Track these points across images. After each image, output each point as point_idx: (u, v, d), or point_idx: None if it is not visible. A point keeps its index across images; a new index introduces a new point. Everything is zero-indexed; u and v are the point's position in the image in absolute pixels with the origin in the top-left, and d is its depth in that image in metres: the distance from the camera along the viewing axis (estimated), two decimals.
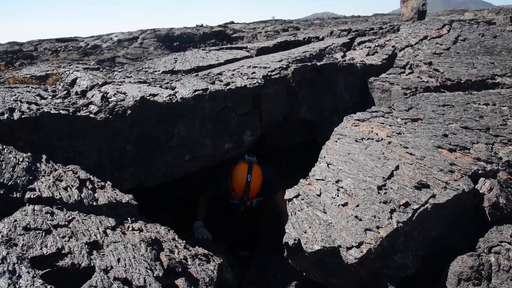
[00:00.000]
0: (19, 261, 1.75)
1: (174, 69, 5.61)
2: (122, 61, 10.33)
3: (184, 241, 2.77)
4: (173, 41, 17.82)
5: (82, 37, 19.79)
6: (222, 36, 18.59)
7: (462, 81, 4.46)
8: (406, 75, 5.07)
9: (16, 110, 3.28)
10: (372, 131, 3.49)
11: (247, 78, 4.47)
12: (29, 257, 1.90)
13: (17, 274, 1.67)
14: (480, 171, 2.75)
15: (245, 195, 3.87)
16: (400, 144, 3.18)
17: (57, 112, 3.37)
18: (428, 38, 5.80)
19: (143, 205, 3.16)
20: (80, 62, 7.24)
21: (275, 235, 4.03)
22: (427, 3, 8.68)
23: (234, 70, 4.94)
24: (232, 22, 24.89)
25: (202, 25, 22.39)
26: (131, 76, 4.89)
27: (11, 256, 1.77)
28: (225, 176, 4.08)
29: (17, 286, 1.60)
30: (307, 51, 5.93)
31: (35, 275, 1.70)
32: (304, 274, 2.81)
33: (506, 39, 5.37)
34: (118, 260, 2.16)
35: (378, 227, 2.45)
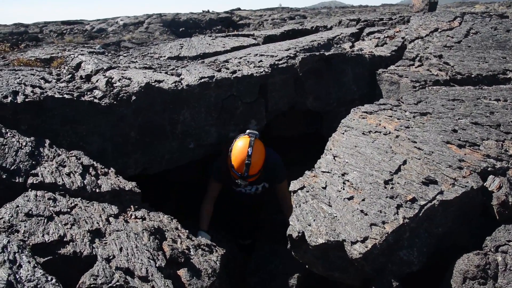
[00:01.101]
0: (20, 250, 1.72)
1: (180, 55, 5.56)
2: (127, 45, 10.27)
3: (187, 231, 2.75)
4: (179, 27, 17.74)
5: (87, 20, 19.73)
6: (228, 23, 18.49)
7: (473, 76, 4.39)
8: (416, 67, 5.00)
9: (19, 93, 3.24)
10: (380, 124, 3.44)
11: (254, 67, 4.41)
12: (30, 244, 1.88)
13: (17, 264, 1.64)
14: (489, 169, 2.70)
15: (245, 171, 3.54)
16: (408, 138, 3.13)
17: (61, 96, 3.33)
18: (439, 30, 5.70)
19: (145, 191, 3.13)
20: (86, 45, 7.19)
21: (278, 226, 4.02)
22: None
23: (240, 57, 4.88)
24: (239, 9, 24.73)
25: (208, 11, 22.26)
26: (136, 61, 4.84)
27: (12, 244, 1.74)
28: (225, 157, 3.85)
29: (18, 276, 1.57)
30: (315, 41, 5.84)
31: (36, 264, 1.67)
32: (307, 266, 2.79)
33: None
34: (121, 249, 2.14)
35: (383, 222, 2.42)
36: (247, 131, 3.74)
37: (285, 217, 4.03)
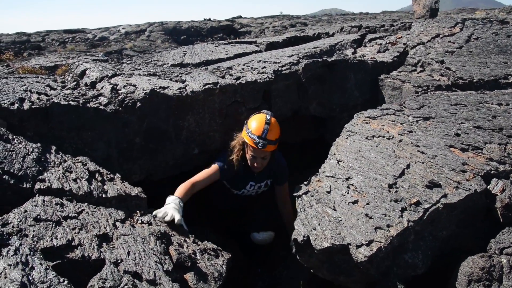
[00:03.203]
0: (31, 253, 1.75)
1: (183, 62, 5.59)
2: (129, 53, 10.35)
3: (193, 235, 2.76)
4: (180, 34, 17.88)
5: (89, 29, 19.91)
6: (230, 31, 18.64)
7: (475, 80, 4.42)
8: (418, 73, 5.03)
9: (26, 100, 3.28)
10: (383, 129, 3.47)
11: (258, 73, 4.45)
12: (39, 248, 1.90)
13: (30, 266, 1.67)
14: (492, 172, 2.72)
15: (264, 129, 3.45)
16: (412, 143, 3.15)
17: (66, 103, 3.37)
18: (441, 36, 5.75)
19: (151, 197, 3.15)
20: (88, 53, 7.24)
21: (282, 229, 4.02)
22: (439, 1, 8.60)
23: (244, 64, 4.92)
24: (240, 17, 24.93)
25: (209, 19, 22.44)
26: (140, 69, 4.87)
27: (24, 247, 1.77)
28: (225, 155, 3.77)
29: (30, 278, 1.60)
30: (318, 47, 5.89)
31: (47, 266, 1.70)
32: (312, 271, 2.80)
33: None
34: (128, 253, 2.15)
35: (388, 226, 2.43)
36: (263, 110, 3.73)
37: (285, 222, 4.03)
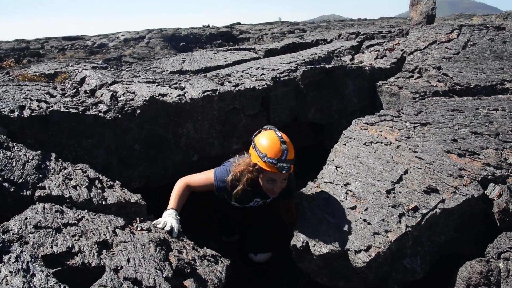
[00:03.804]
0: (32, 259, 1.76)
1: (182, 69, 5.63)
2: (128, 60, 10.40)
3: (192, 242, 2.77)
4: (180, 41, 17.94)
5: (88, 36, 19.98)
6: (228, 37, 18.73)
7: (471, 86, 4.45)
8: (415, 79, 5.07)
9: (26, 108, 3.29)
10: (381, 135, 3.49)
11: (256, 80, 4.48)
12: (40, 255, 1.91)
13: (31, 273, 1.68)
14: (489, 177, 2.74)
15: (284, 149, 2.86)
16: (409, 148, 3.17)
17: (66, 110, 3.38)
18: (437, 42, 5.79)
19: (150, 204, 3.15)
20: (87, 60, 7.28)
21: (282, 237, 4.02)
22: (436, 8, 8.66)
23: (242, 71, 4.95)
24: (239, 23, 25.05)
25: (208, 26, 22.54)
26: (140, 76, 4.90)
27: (25, 254, 1.78)
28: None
29: (31, 285, 1.60)
30: (316, 54, 5.93)
31: (48, 273, 1.71)
32: (311, 276, 2.81)
33: None
34: (128, 260, 2.16)
35: (386, 231, 2.45)
36: (265, 126, 3.17)
37: (288, 227, 4.00)
